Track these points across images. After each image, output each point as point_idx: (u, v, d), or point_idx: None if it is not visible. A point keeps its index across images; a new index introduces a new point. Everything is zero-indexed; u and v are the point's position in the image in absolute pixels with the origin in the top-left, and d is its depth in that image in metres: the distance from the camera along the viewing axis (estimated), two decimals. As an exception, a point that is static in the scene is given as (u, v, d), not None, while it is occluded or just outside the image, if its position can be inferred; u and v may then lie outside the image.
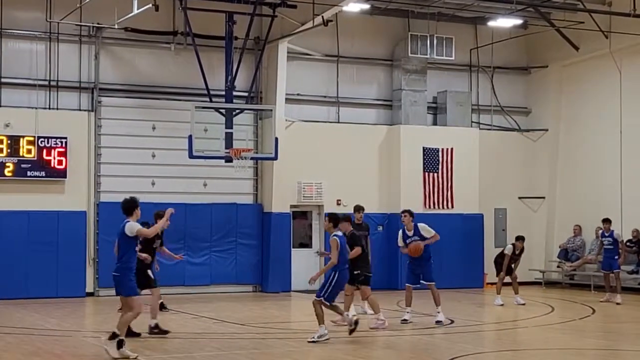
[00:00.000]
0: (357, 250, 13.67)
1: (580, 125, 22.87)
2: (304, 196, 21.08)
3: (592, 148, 22.42)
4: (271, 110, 19.65)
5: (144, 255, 13.00)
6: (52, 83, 19.37)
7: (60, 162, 18.95)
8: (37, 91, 19.21)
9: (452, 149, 22.15)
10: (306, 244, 21.48)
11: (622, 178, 21.43)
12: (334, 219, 12.74)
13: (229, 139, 18.54)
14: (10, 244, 18.60)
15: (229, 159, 18.66)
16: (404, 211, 15.05)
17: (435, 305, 14.55)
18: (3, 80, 19.03)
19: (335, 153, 21.35)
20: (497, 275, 18.51)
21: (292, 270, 20.68)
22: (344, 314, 12.90)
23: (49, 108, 19.32)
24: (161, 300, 16.25)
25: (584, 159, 22.65)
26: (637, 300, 19.19)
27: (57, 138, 18.95)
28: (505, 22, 21.72)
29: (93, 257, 19.39)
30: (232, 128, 18.66)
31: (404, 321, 14.62)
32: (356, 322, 12.56)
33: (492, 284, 20.25)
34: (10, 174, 18.63)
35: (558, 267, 22.82)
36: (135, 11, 17.14)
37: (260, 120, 20.80)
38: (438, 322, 14.35)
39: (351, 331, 12.55)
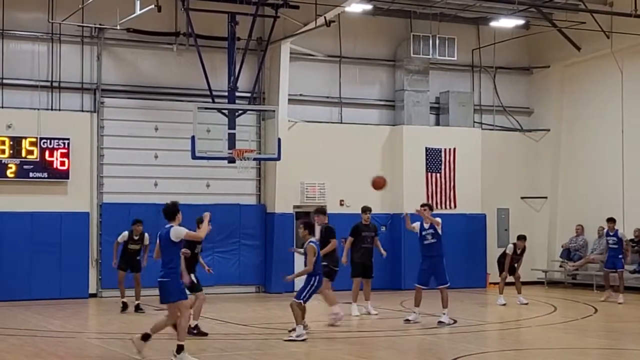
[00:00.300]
0: (334, 243, 14.25)
1: (582, 125, 22.87)
2: (306, 197, 21.08)
3: (594, 148, 22.42)
4: (274, 110, 19.67)
5: (186, 250, 12.97)
6: (55, 84, 19.39)
7: (62, 163, 18.96)
8: (40, 92, 19.23)
9: (454, 149, 22.15)
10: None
11: (624, 178, 21.43)
12: (309, 227, 12.98)
13: (231, 140, 18.55)
14: (13, 245, 18.62)
15: (231, 160, 18.67)
16: (423, 204, 15.14)
17: (442, 306, 14.53)
18: (5, 81, 19.05)
19: (338, 153, 21.36)
20: (500, 275, 18.51)
21: (295, 271, 20.64)
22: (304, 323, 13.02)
23: (51, 109, 19.34)
24: (138, 302, 16.25)
25: (586, 158, 22.65)
26: (639, 299, 19.18)
27: (59, 139, 18.97)
28: (507, 23, 21.73)
29: (96, 258, 19.41)
30: (234, 129, 18.67)
31: (407, 321, 14.62)
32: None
33: (494, 283, 20.24)
34: (12, 175, 18.65)
35: (560, 266, 22.82)
36: (138, 12, 17.16)
37: (263, 120, 20.82)
38: (440, 322, 14.35)
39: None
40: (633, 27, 19.90)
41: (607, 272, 19.02)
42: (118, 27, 18.56)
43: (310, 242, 12.72)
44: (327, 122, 21.75)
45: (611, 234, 18.86)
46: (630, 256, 19.79)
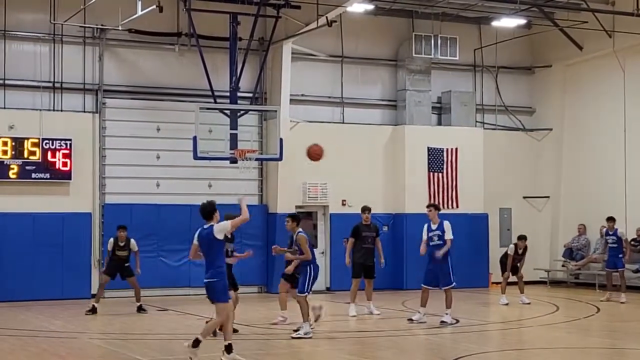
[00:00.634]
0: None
1: (584, 125, 22.84)
2: (309, 197, 21.08)
3: (597, 147, 22.40)
4: (276, 111, 19.67)
5: (230, 245, 12.95)
6: (57, 85, 19.40)
7: (64, 164, 18.97)
8: (42, 93, 19.24)
9: (456, 149, 22.14)
10: (311, 244, 21.35)
11: (627, 177, 21.41)
12: (297, 219, 13.25)
13: (233, 140, 18.55)
14: (16, 246, 18.63)
15: (233, 160, 18.66)
16: (429, 205, 15.05)
17: (446, 307, 14.50)
18: (7, 82, 19.06)
19: (340, 153, 21.35)
20: (502, 275, 18.50)
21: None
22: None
23: (53, 110, 19.35)
24: (139, 303, 16.22)
25: (589, 158, 22.63)
26: (642, 299, 19.16)
27: (61, 140, 18.98)
28: (509, 22, 21.71)
29: (98, 258, 19.41)
30: (236, 129, 18.67)
31: (410, 320, 14.61)
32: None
33: (497, 283, 20.24)
34: (14, 176, 18.66)
35: (563, 266, 22.80)
36: (139, 12, 17.16)
37: (265, 121, 20.81)
38: (442, 322, 14.33)
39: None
40: (635, 26, 19.87)
41: (609, 272, 18.98)
42: (120, 28, 18.56)
43: (299, 232, 12.91)
44: (329, 122, 21.75)
45: (610, 233, 18.83)
46: (632, 255, 19.76)
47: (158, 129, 20.08)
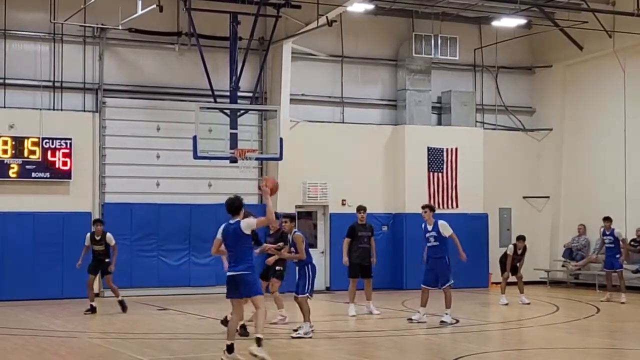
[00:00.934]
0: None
1: (584, 125, 22.84)
2: (308, 196, 21.09)
3: (597, 147, 22.40)
4: (276, 110, 19.67)
5: (271, 246, 13.09)
6: (57, 84, 19.40)
7: (64, 163, 18.98)
8: (42, 92, 19.25)
9: (456, 148, 22.14)
10: (311, 244, 21.42)
11: (627, 177, 21.42)
12: (293, 219, 13.26)
13: (233, 140, 18.55)
14: (16, 245, 18.64)
15: (233, 160, 18.67)
16: (424, 206, 15.02)
17: (445, 307, 14.50)
18: (7, 81, 19.07)
19: (340, 153, 21.35)
20: (502, 275, 18.49)
21: (296, 270, 20.65)
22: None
23: (54, 109, 19.35)
24: (120, 299, 16.11)
25: (589, 158, 22.63)
26: (642, 299, 19.17)
27: (61, 139, 18.98)
28: (509, 22, 21.71)
29: (98, 257, 19.39)
30: (236, 129, 18.67)
31: (410, 320, 14.60)
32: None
33: (496, 283, 20.24)
34: (14, 175, 18.67)
35: (563, 266, 22.80)
36: (140, 12, 17.17)
37: (265, 120, 20.82)
38: (442, 322, 14.33)
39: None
40: (635, 26, 19.87)
41: (608, 272, 18.95)
42: (120, 27, 18.57)
43: (295, 231, 12.93)
44: (329, 122, 21.75)
45: (607, 233, 18.76)
46: (628, 255, 19.72)
47: (158, 129, 20.08)
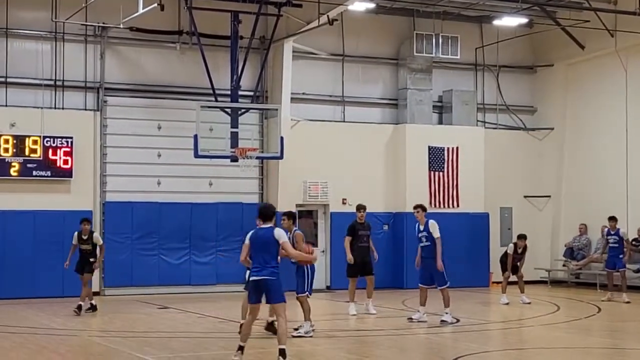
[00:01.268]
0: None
1: (586, 124, 22.82)
2: (309, 195, 21.08)
3: (598, 146, 22.38)
4: (276, 109, 19.65)
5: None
6: (58, 83, 19.41)
7: (66, 162, 18.99)
8: (43, 91, 19.25)
9: (457, 147, 22.13)
10: (312, 243, 21.39)
11: (628, 176, 21.39)
12: (293, 216, 13.15)
13: (234, 139, 18.55)
14: (17, 243, 18.66)
15: (234, 159, 18.66)
16: (415, 206, 14.98)
17: (444, 306, 14.50)
18: (9, 80, 19.07)
19: (341, 152, 21.35)
20: (503, 274, 18.48)
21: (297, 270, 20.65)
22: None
23: (55, 108, 19.36)
24: (81, 303, 15.83)
25: (590, 157, 22.61)
26: (643, 299, 19.15)
27: (62, 138, 18.99)
28: (510, 21, 21.69)
29: (99, 256, 19.37)
30: (237, 127, 18.66)
31: (410, 319, 14.60)
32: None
33: (497, 282, 20.23)
34: (16, 174, 18.68)
35: (564, 265, 22.78)
36: (141, 11, 17.15)
37: (266, 119, 20.81)
38: (443, 321, 14.33)
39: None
40: (637, 25, 19.85)
41: (609, 272, 18.93)
42: (121, 26, 18.57)
43: (296, 230, 12.89)
44: (330, 121, 21.74)
45: (612, 232, 18.70)
46: (630, 255, 19.69)
47: (159, 127, 20.09)
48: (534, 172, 23.59)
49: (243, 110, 19.04)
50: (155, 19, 19.01)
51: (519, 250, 18.27)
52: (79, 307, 15.68)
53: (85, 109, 19.67)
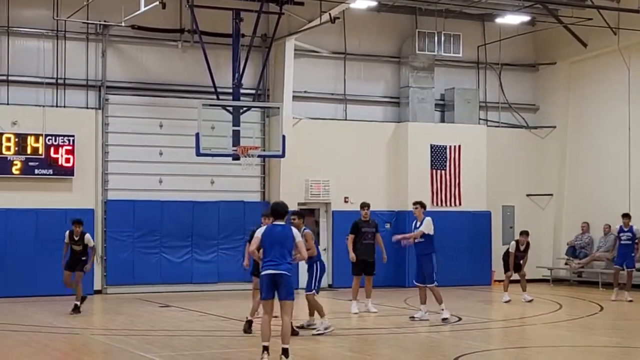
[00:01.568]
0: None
1: (588, 122, 22.78)
2: (311, 194, 21.07)
3: (601, 145, 22.34)
4: (278, 107, 19.63)
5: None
6: (60, 81, 19.41)
7: (67, 160, 18.99)
8: (45, 89, 19.24)
9: (459, 146, 22.10)
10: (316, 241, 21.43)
11: (631, 175, 21.35)
12: (302, 215, 13.19)
13: (236, 137, 18.54)
14: (19, 242, 18.67)
15: (236, 157, 18.66)
16: (415, 203, 14.97)
17: (437, 303, 14.48)
18: (10, 78, 19.07)
19: (343, 150, 21.33)
20: (505, 273, 18.44)
21: (299, 268, 20.65)
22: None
23: (56, 106, 19.36)
24: (76, 302, 15.69)
25: (592, 155, 22.57)
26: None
27: (64, 136, 18.99)
28: (513, 19, 21.64)
29: (101, 255, 19.42)
30: (239, 126, 18.66)
31: (412, 318, 14.58)
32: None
33: (499, 281, 20.20)
34: (17, 172, 18.69)
35: (566, 264, 22.75)
36: (142, 9, 17.15)
37: (268, 117, 20.79)
38: (444, 319, 14.30)
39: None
40: (640, 23, 19.81)
41: (617, 269, 18.61)
42: (123, 24, 18.56)
43: (305, 229, 12.88)
44: (332, 119, 21.72)
45: (625, 229, 18.39)
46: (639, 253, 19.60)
47: (161, 126, 20.08)
48: (536, 171, 23.55)
49: (245, 109, 19.03)
50: (156, 17, 19.00)
51: (521, 247, 18.20)
52: (76, 307, 15.61)
53: (87, 107, 19.66)
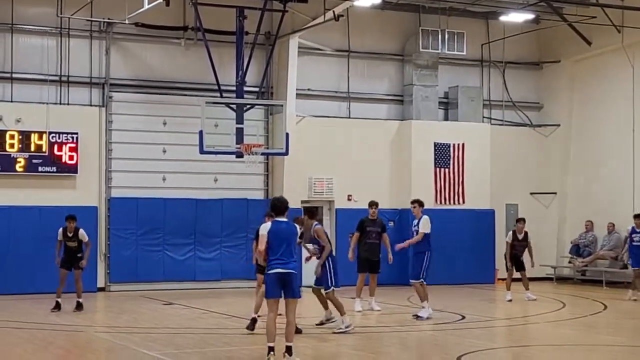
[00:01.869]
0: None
1: (592, 121, 22.75)
2: (314, 192, 21.08)
3: (604, 143, 22.31)
4: (282, 105, 19.62)
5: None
6: (63, 78, 19.42)
7: (71, 158, 19.01)
8: (48, 86, 19.26)
9: (463, 144, 22.08)
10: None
11: (635, 173, 21.32)
12: (313, 213, 13.24)
13: (239, 135, 18.53)
14: (22, 239, 18.70)
15: (239, 155, 18.64)
16: (413, 201, 14.95)
17: (420, 300, 14.43)
18: (14, 75, 19.09)
19: (346, 148, 21.33)
20: (507, 270, 18.40)
21: (302, 266, 20.63)
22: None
23: (60, 103, 19.37)
24: (79, 299, 15.68)
25: (596, 154, 22.54)
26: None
27: (68, 133, 19.01)
28: (517, 17, 21.62)
29: (104, 252, 19.45)
30: (242, 123, 18.65)
31: (416, 316, 14.56)
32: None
33: (503, 279, 20.16)
34: (21, 170, 18.71)
35: (569, 262, 22.74)
36: (146, 6, 17.14)
37: (271, 115, 20.79)
38: (417, 316, 14.24)
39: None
40: (644, 21, 19.77)
41: (638, 271, 18.15)
42: (126, 22, 18.54)
43: (316, 225, 12.91)
44: (335, 117, 21.72)
45: (638, 230, 18.16)
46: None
47: (164, 123, 20.09)
48: (540, 169, 23.53)
49: (248, 106, 19.02)
50: (160, 15, 19.01)
51: (520, 237, 18.05)
52: (79, 304, 15.62)
53: (91, 105, 19.67)
